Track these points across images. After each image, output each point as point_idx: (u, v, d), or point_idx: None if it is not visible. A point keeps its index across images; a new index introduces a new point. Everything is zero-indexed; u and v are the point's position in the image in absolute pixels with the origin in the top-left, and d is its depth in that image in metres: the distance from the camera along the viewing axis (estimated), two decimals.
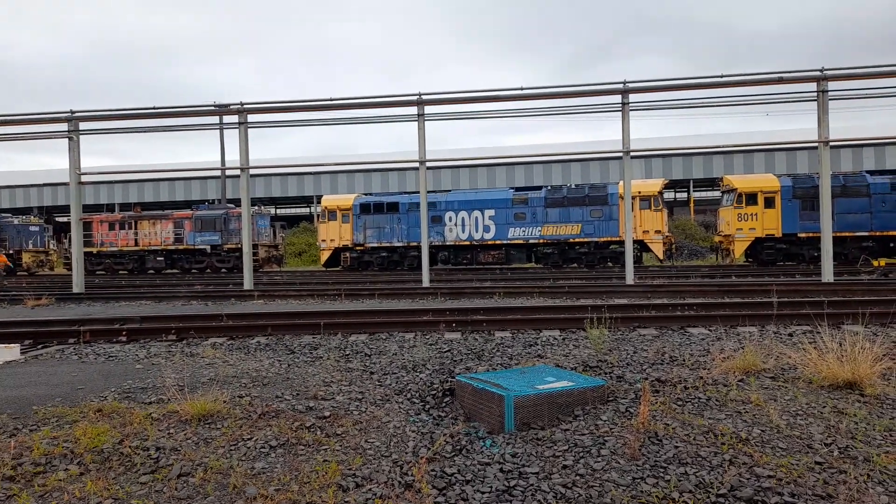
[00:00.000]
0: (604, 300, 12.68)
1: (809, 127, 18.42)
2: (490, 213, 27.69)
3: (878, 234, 23.43)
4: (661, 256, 26.28)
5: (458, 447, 4.95)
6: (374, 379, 6.65)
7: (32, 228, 35.05)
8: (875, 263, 21.78)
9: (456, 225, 27.96)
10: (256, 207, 32.09)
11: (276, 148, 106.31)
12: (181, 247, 31.80)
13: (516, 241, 27.45)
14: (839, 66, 18.17)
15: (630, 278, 17.83)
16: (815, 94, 17.35)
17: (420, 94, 18.84)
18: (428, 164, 19.76)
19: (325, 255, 30.02)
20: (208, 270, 31.48)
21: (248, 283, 19.15)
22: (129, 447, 4.68)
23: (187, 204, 41.22)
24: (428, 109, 19.09)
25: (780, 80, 17.74)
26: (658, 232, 26.00)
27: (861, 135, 30.44)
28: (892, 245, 23.45)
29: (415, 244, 27.82)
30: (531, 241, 27.37)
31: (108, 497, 4.07)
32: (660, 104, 19.35)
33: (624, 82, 18.00)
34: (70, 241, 31.16)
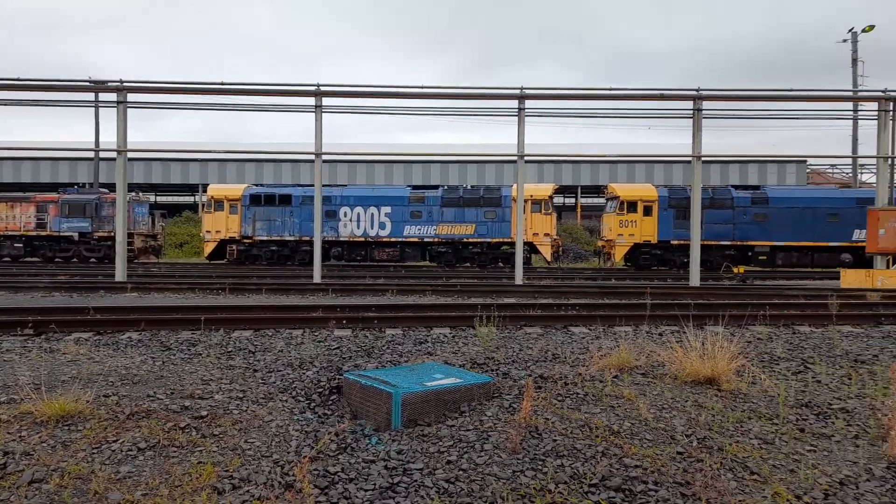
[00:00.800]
0: (493, 299, 13.01)
1: (686, 142, 19.93)
2: (386, 209, 27.58)
3: (739, 243, 25.79)
4: (548, 258, 27.37)
5: (343, 445, 4.87)
6: (258, 377, 6.41)
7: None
8: (735, 270, 23.94)
9: (351, 220, 27.60)
10: (134, 193, 29.87)
11: (158, 131, 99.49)
12: (44, 233, 29.00)
13: (411, 239, 27.53)
14: (714, 87, 19.82)
15: (519, 279, 18.43)
16: (691, 111, 18.80)
17: (318, 85, 18.42)
18: (324, 157, 19.36)
19: (209, 247, 28.56)
20: (75, 260, 28.96)
21: (120, 274, 17.81)
22: None
23: (53, 187, 37.69)
24: (326, 101, 18.69)
25: (662, 97, 19.07)
26: (547, 235, 27.07)
27: (728, 152, 33.43)
28: (749, 254, 25.88)
29: (307, 238, 27.13)
30: (426, 240, 27.56)
31: None
32: (553, 112, 20.19)
33: (521, 88, 18.56)
34: None
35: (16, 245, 29.04)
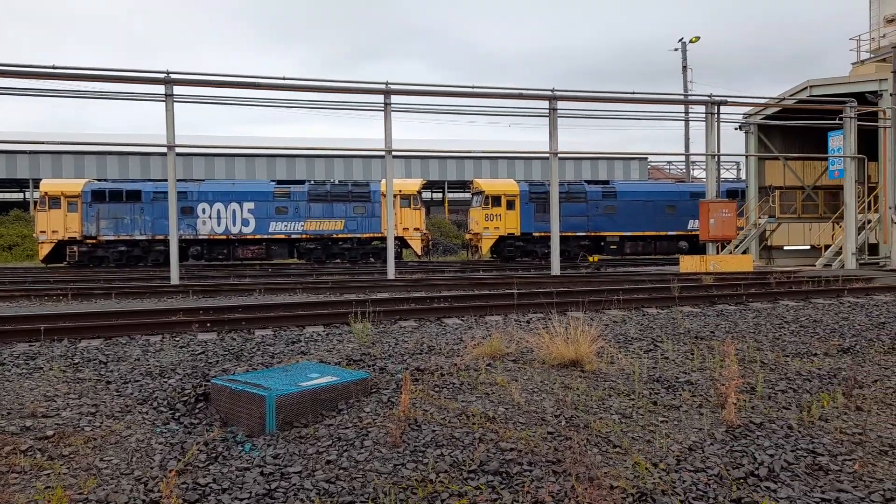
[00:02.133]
0: (367, 295, 12.93)
1: (544, 139, 21.04)
2: (249, 205, 26.39)
3: (592, 234, 27.75)
4: (419, 252, 27.71)
5: (214, 455, 4.61)
6: (112, 389, 5.88)
7: None
8: (591, 259, 25.75)
9: (210, 217, 26.08)
10: None
11: None
12: None
13: (278, 236, 26.60)
14: (566, 88, 21.11)
15: (391, 273, 18.48)
16: (548, 110, 19.88)
17: (169, 73, 17.16)
18: (178, 149, 18.11)
19: (45, 249, 25.66)
20: None
21: None
22: None
23: None
24: (178, 90, 17.46)
25: (521, 96, 19.97)
26: (417, 229, 27.37)
27: (582, 149, 35.81)
28: (602, 244, 27.95)
29: (161, 237, 25.24)
30: (294, 236, 26.77)
31: None
32: (420, 108, 20.43)
33: (386, 83, 18.56)
34: None
35: None
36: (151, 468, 4.35)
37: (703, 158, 24.04)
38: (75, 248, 25.39)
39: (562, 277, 17.42)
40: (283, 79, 18.05)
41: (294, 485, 4.11)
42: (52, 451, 4.46)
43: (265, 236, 26.46)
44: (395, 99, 18.74)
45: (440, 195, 49.47)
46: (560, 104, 19.98)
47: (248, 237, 26.39)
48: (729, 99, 21.88)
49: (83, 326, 8.13)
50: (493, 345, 6.76)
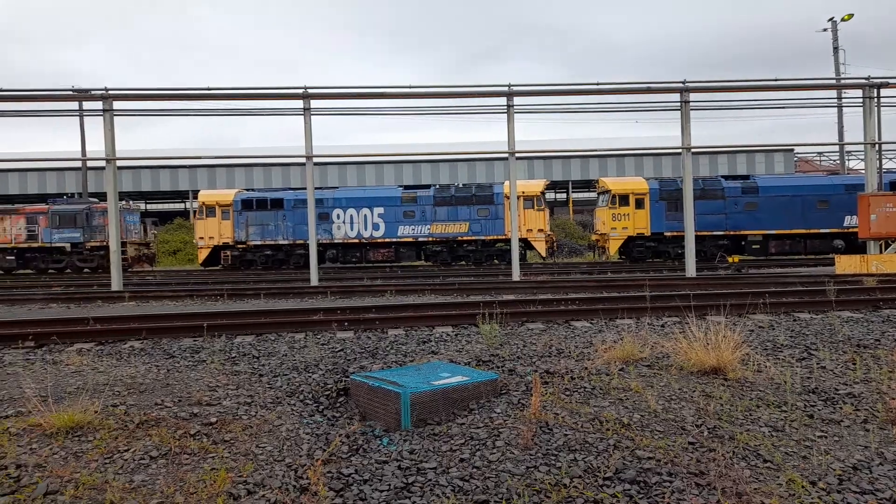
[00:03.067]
0: (493, 296, 13.03)
1: (674, 134, 20.01)
2: (379, 210, 27.56)
3: (731, 233, 25.94)
4: (543, 254, 27.44)
5: (355, 447, 4.88)
6: (264, 381, 6.39)
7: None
8: (730, 260, 24.10)
9: (344, 222, 27.55)
10: (125, 202, 29.72)
11: (146, 138, 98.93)
12: (35, 244, 28.76)
13: (406, 239, 27.52)
14: (699, 79, 19.92)
15: (516, 275, 18.46)
16: (679, 104, 18.88)
17: (306, 88, 18.36)
18: (315, 159, 19.30)
19: (203, 254, 28.44)
20: (68, 270, 28.74)
21: (116, 283, 17.70)
22: None
23: (41, 198, 37.41)
24: (315, 104, 18.64)
25: (649, 90, 19.14)
26: (541, 231, 27.13)
27: (717, 142, 33.62)
28: (742, 243, 26.04)
29: (301, 242, 27.07)
30: (420, 239, 27.56)
31: None
32: (542, 108, 20.20)
33: (509, 85, 18.58)
34: None
35: (7, 257, 28.79)
36: (300, 456, 4.68)
37: (861, 148, 21.65)
38: (228, 253, 27.90)
39: (698, 279, 16.46)
40: (408, 87, 18.67)
41: (430, 480, 4.24)
42: (216, 436, 4.93)
43: (394, 239, 27.49)
44: (517, 100, 18.72)
45: (564, 196, 48.66)
46: (692, 96, 18.91)
47: (379, 241, 27.55)
48: (890, 80, 19.54)
49: (238, 324, 8.93)
50: (625, 349, 6.55)
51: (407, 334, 8.71)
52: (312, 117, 18.58)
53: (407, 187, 29.72)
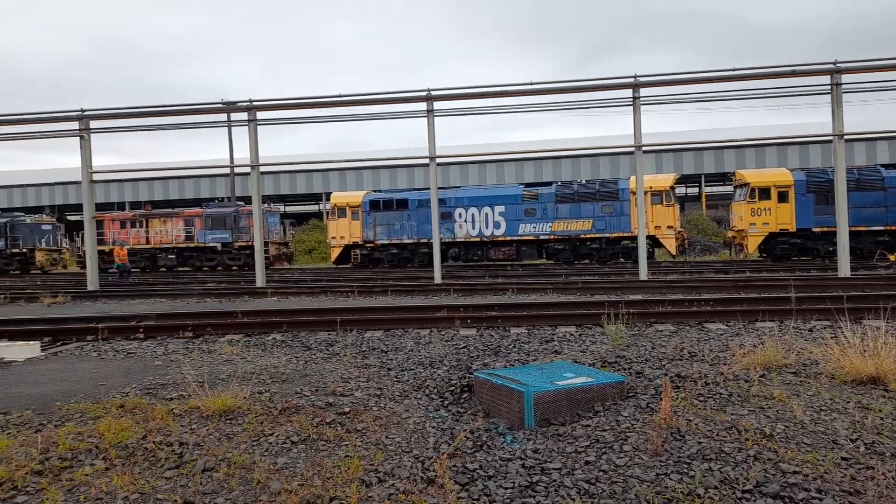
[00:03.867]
0: (619, 296, 12.63)
1: (820, 121, 18.23)
2: (500, 209, 27.65)
3: (893, 227, 23.20)
4: (673, 252, 26.14)
5: (479, 443, 4.95)
6: (392, 375, 6.66)
7: (45, 227, 35.30)
8: (892, 258, 21.56)
9: (466, 221, 27.94)
10: (266, 205, 32.14)
11: (283, 144, 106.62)
12: (192, 244, 31.96)
13: (527, 238, 27.40)
14: (851, 59, 17.99)
15: (644, 274, 17.75)
16: (829, 87, 17.17)
17: (429, 90, 18.82)
18: (438, 160, 19.74)
19: (335, 253, 30.09)
20: (219, 268, 31.63)
21: (260, 280, 19.23)
22: (153, 442, 4.71)
23: (197, 202, 41.39)
24: (437, 105, 19.07)
25: (794, 74, 17.58)
26: (670, 227, 25.86)
27: (875, 128, 30.12)
28: None
29: (425, 241, 27.83)
30: (542, 237, 27.32)
31: (134, 491, 4.09)
32: (671, 98, 19.22)
33: (635, 76, 17.89)
34: (83, 239, 31.39)
35: (169, 256, 32.27)
36: (426, 449, 4.84)
37: None
38: (358, 252, 29.32)
39: (852, 279, 14.90)
40: (529, 84, 18.54)
41: (554, 481, 4.21)
42: (349, 425, 5.22)
43: (515, 238, 27.46)
44: (643, 92, 17.97)
45: (696, 190, 45.98)
46: (844, 77, 17.11)
47: (500, 239, 27.65)
48: None
49: (368, 319, 9.39)
50: (766, 354, 6.09)
51: (529, 333, 8.69)
52: (435, 119, 19.03)
53: (528, 185, 29.57)
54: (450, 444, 4.87)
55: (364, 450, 4.78)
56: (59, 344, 8.78)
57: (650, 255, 25.25)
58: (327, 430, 5.04)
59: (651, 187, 25.61)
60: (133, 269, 32.29)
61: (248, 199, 35.77)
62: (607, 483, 4.12)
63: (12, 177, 52.23)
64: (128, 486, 4.14)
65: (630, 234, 25.58)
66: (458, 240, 28.02)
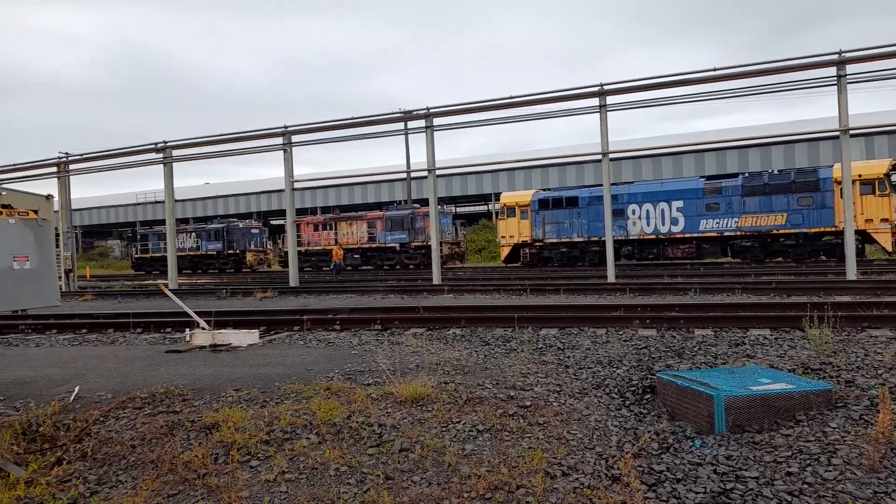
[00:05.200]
0: (821, 297, 11.38)
1: None
2: (678, 204, 26.17)
3: None
4: (889, 248, 22.83)
5: (665, 445, 4.83)
6: (570, 372, 6.70)
7: (254, 231, 40.23)
8: None
9: (640, 218, 26.86)
10: (439, 206, 33.66)
11: (454, 148, 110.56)
12: (374, 245, 34.45)
13: (709, 234, 25.62)
14: None
15: (852, 273, 15.76)
16: None
17: (602, 85, 18.42)
18: (610, 155, 19.23)
19: (504, 252, 30.57)
20: (397, 266, 33.72)
21: (436, 278, 20.21)
22: (356, 422, 5.24)
23: (378, 205, 44.46)
24: (610, 100, 18.58)
25: None
26: (885, 220, 22.61)
27: None
28: None
29: (595, 239, 27.24)
30: (726, 234, 25.38)
31: (343, 464, 4.61)
32: (885, 74, 16.80)
33: (839, 52, 15.96)
34: (283, 241, 35.24)
35: (355, 256, 35.10)
36: (609, 447, 4.83)
37: None
38: (527, 251, 29.54)
39: None
40: (712, 70, 17.36)
41: (751, 489, 3.99)
42: (530, 418, 5.37)
43: (695, 235, 25.82)
44: (849, 69, 15.94)
45: None
46: None
47: (677, 236, 26.18)
48: None
49: (543, 317, 9.49)
50: None
51: (716, 335, 8.20)
52: (608, 113, 18.57)
53: (709, 178, 27.62)
54: (633, 444, 4.82)
55: (546, 443, 4.90)
56: (272, 333, 10.04)
57: (859, 253, 22.30)
58: (510, 422, 5.24)
59: (860, 175, 22.61)
60: (324, 268, 35.64)
61: (422, 201, 37.66)
62: (813, 496, 3.82)
63: (226, 188, 60.25)
64: (338, 459, 4.68)
65: (833, 229, 22.83)
66: (631, 237, 27.03)
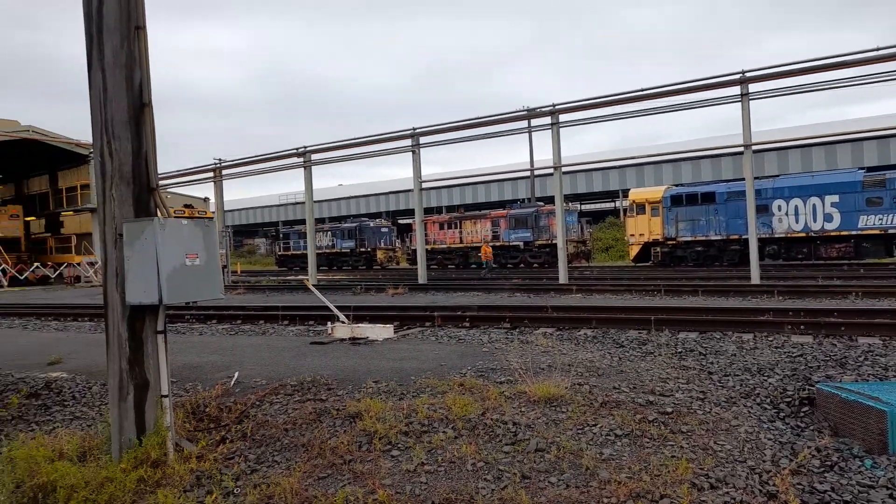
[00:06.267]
0: None
1: None
2: (832, 199, 23.77)
3: None
4: None
5: (828, 463, 4.42)
6: (714, 379, 6.32)
7: (383, 230, 41.90)
8: None
9: (787, 214, 24.71)
10: (564, 204, 33.08)
11: (578, 144, 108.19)
12: (498, 243, 34.55)
13: (870, 232, 23.04)
14: None
15: None
16: None
17: (743, 72, 17.17)
18: (754, 147, 17.87)
19: (634, 250, 29.43)
20: (521, 265, 33.58)
21: (563, 277, 19.89)
22: (490, 419, 5.29)
23: (501, 204, 44.55)
24: (753, 87, 17.27)
25: None
26: None
27: None
28: None
29: (735, 237, 25.45)
30: (891, 231, 22.67)
31: (479, 460, 4.67)
32: None
33: None
34: (411, 239, 36.37)
35: (479, 254, 35.41)
36: (763, 461, 4.49)
37: None
38: (658, 249, 28.23)
39: None
40: (875, 50, 15.57)
41: None
42: (672, 425, 5.12)
43: (853, 232, 23.34)
44: None
45: None
46: None
47: (832, 234, 23.80)
48: None
49: (682, 320, 9.02)
50: None
51: (885, 345, 7.36)
52: (750, 102, 17.27)
53: (870, 169, 24.82)
54: (791, 460, 4.46)
55: (691, 452, 4.66)
56: (405, 328, 10.41)
57: None
58: (651, 428, 5.03)
59: None
60: (449, 266, 36.33)
61: (546, 199, 37.25)
62: None
63: (357, 189, 63.29)
64: (474, 455, 4.75)
65: None
66: (776, 235, 24.96)
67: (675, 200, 27.73)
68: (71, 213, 36.39)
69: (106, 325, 5.17)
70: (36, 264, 33.23)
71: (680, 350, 7.63)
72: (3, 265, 30.49)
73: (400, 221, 56.05)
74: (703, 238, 26.87)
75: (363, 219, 44.98)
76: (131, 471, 4.74)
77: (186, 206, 31.26)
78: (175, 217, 5.32)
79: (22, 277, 31.43)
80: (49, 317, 14.86)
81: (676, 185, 31.95)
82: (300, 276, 28.18)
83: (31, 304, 18.50)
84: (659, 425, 5.12)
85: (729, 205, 25.87)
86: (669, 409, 5.38)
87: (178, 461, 4.94)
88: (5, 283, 29.84)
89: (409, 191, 39.75)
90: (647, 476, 4.33)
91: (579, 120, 21.39)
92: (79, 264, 33.13)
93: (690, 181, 38.94)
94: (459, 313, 10.98)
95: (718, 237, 26.42)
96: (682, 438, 4.88)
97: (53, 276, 32.88)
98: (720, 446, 4.73)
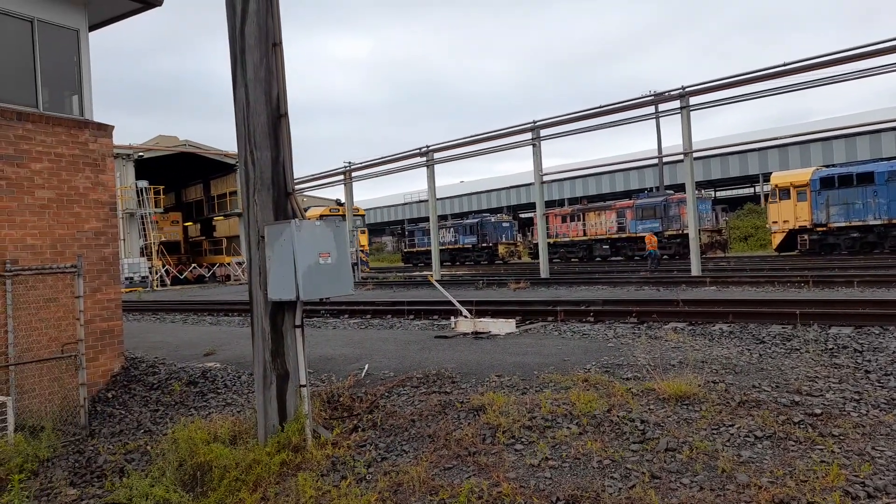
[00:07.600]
0: None
1: None
2: None
3: None
4: None
5: None
6: (872, 379, 5.70)
7: (504, 224, 41.93)
8: None
9: None
10: (696, 192, 31.21)
11: (712, 127, 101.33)
12: (623, 235, 33.36)
13: None
14: None
15: None
16: None
17: None
18: None
19: (777, 239, 27.17)
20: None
21: (695, 268, 18.81)
22: (617, 416, 5.15)
23: (626, 194, 42.89)
24: None
25: None
26: None
27: None
28: None
29: None
30: None
31: (605, 457, 4.56)
32: None
33: None
34: (533, 233, 36.11)
35: (603, 247, 34.44)
36: None
37: None
38: (805, 237, 25.83)
39: None
40: None
41: None
42: (822, 428, 4.69)
43: None
44: None
45: None
46: None
47: None
48: None
49: (832, 313, 8.20)
50: None
51: None
52: None
53: None
54: None
55: (844, 458, 4.25)
56: (527, 322, 10.37)
57: None
58: (796, 431, 4.65)
59: None
60: (573, 259, 35.62)
61: (675, 188, 35.38)
62: None
63: (478, 185, 63.83)
64: (600, 452, 4.64)
65: None
66: None
67: (826, 183, 25.23)
68: (221, 217, 40.11)
69: (251, 319, 5.65)
70: (193, 265, 36.99)
71: (831, 346, 6.95)
72: (167, 266, 34.20)
73: (521, 215, 55.79)
74: (860, 223, 24.22)
75: (484, 214, 45.29)
76: (275, 454, 5.14)
77: (339, 203, 33.53)
78: (315, 219, 5.70)
79: (182, 277, 35.14)
80: (204, 312, 16.45)
81: (826, 167, 29.03)
82: (424, 273, 28.97)
83: (189, 300, 20.61)
84: (806, 427, 4.72)
85: (891, 185, 23.12)
86: (818, 411, 4.94)
87: (315, 447, 5.29)
88: (168, 282, 33.45)
89: (529, 184, 39.35)
90: (792, 482, 4.01)
91: (711, 102, 20.02)
92: (229, 264, 36.48)
93: (844, 161, 35.20)
94: (583, 307, 10.75)
95: (878, 222, 23.69)
96: (833, 442, 4.46)
97: (208, 275, 36.40)
98: (879, 452, 4.27)
